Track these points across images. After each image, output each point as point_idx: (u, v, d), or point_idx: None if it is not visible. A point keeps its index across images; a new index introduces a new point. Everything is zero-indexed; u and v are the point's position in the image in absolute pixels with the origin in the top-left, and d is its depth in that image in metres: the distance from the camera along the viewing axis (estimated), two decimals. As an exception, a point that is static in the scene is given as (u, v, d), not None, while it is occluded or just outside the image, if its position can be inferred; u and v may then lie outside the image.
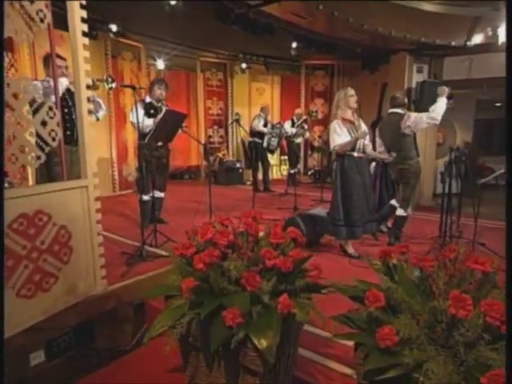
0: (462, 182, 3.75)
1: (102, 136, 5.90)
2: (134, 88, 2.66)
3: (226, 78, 7.63)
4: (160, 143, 3.43)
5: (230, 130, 7.84)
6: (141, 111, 3.30)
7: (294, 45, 5.92)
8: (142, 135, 3.25)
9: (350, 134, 3.26)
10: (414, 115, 3.71)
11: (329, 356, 1.73)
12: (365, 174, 3.36)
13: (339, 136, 3.23)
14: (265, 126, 6.19)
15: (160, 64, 6.87)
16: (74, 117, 2.70)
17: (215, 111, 7.71)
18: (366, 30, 5.30)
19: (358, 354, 1.04)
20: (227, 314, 1.09)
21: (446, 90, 3.91)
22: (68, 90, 2.73)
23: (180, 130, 3.30)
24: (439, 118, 3.70)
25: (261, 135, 6.25)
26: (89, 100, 2.67)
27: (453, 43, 6.16)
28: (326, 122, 8.02)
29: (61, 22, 2.30)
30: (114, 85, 2.62)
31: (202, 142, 8.30)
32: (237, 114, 5.23)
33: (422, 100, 6.27)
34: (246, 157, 7.07)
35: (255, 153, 6.43)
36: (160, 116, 2.85)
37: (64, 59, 2.77)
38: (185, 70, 7.46)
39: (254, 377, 1.25)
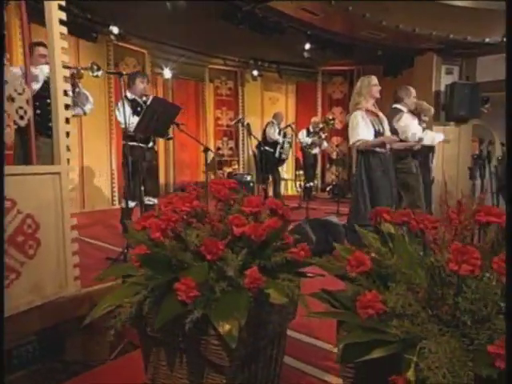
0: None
1: (102, 148, 6.01)
2: (120, 74, 2.65)
3: (236, 87, 7.72)
4: (151, 144, 3.42)
5: (240, 142, 7.84)
6: (128, 109, 3.29)
7: (307, 46, 5.93)
8: (127, 136, 3.26)
9: (374, 127, 3.13)
10: (404, 121, 3.51)
11: (325, 368, 1.55)
12: (390, 172, 3.20)
13: (363, 129, 3.09)
14: (278, 134, 6.15)
15: (167, 73, 7.05)
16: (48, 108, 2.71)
17: (225, 122, 7.76)
18: (386, 27, 5.26)
19: (341, 332, 0.88)
20: (180, 285, 0.97)
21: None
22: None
23: (176, 127, 3.27)
24: (419, 147, 3.48)
25: (272, 144, 6.20)
26: (74, 90, 2.71)
27: (487, 40, 6.03)
28: (345, 133, 7.93)
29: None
30: (100, 73, 2.63)
31: (211, 152, 8.50)
32: (241, 118, 5.17)
33: (451, 104, 6.13)
34: (257, 169, 7.01)
35: (265, 163, 6.36)
36: (147, 103, 2.83)
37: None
38: (193, 79, 7.60)
39: (219, 374, 1.10)
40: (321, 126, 6.51)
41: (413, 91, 3.73)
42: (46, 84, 2.66)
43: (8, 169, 1.90)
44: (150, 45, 6.31)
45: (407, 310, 0.80)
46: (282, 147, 6.05)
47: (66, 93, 2.13)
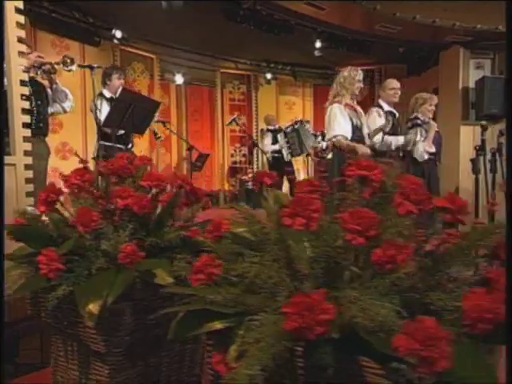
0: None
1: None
2: (91, 68, 2.71)
3: (249, 91, 7.75)
4: (130, 145, 3.43)
5: (254, 148, 7.83)
6: (105, 108, 3.27)
7: (318, 44, 5.86)
8: (103, 135, 3.20)
9: (352, 122, 3.07)
10: (372, 119, 3.39)
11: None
12: None
13: (339, 124, 3.03)
14: (275, 139, 6.11)
15: (179, 78, 7.21)
16: (32, 106, 2.79)
17: (237, 127, 7.78)
18: (400, 19, 5.11)
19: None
20: (41, 257, 0.92)
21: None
22: (32, 79, 2.83)
23: (163, 125, 3.30)
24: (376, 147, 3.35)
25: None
26: (51, 86, 2.79)
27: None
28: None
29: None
30: (74, 67, 2.69)
31: (227, 164, 8.54)
32: (236, 117, 5.14)
33: (481, 101, 5.83)
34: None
35: (277, 169, 6.34)
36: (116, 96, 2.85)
37: (29, 46, 2.93)
38: (206, 85, 7.72)
39: (102, 363, 1.03)
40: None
41: (389, 83, 3.68)
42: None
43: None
44: (159, 49, 6.48)
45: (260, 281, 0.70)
46: (289, 147, 5.96)
47: (22, 82, 2.18)
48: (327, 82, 7.82)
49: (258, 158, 7.87)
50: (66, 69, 2.67)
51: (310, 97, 8.16)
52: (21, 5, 2.28)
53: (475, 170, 3.76)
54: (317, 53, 6.04)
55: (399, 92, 3.68)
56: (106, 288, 0.94)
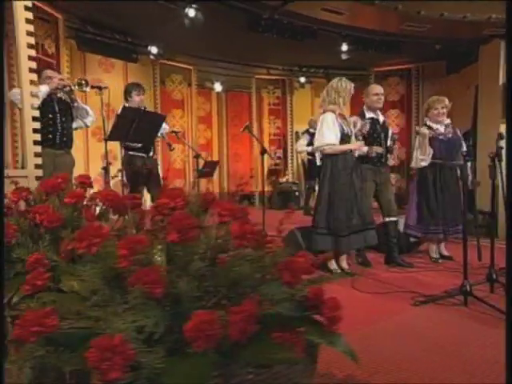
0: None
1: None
2: (99, 88, 2.99)
3: (284, 95, 7.82)
4: (151, 153, 3.70)
5: (289, 151, 7.88)
6: None
7: (345, 48, 5.77)
8: (127, 146, 3.55)
9: (343, 131, 3.07)
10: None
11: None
12: (353, 175, 3.13)
13: (330, 134, 3.05)
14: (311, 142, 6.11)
15: (217, 86, 7.49)
16: (58, 122, 3.14)
17: (272, 130, 7.88)
18: (426, 16, 4.87)
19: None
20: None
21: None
22: (58, 99, 3.19)
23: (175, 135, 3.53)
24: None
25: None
26: (72, 105, 3.12)
27: None
28: (401, 138, 7.43)
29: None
30: (88, 88, 3.00)
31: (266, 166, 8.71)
32: (248, 124, 5.19)
33: (521, 98, 5.36)
34: (304, 178, 7.04)
35: (309, 171, 6.40)
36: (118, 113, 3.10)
37: (58, 72, 3.30)
38: (245, 92, 7.91)
39: None
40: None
41: (372, 89, 3.59)
42: (47, 102, 3.09)
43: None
44: (196, 61, 6.78)
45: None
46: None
47: (32, 106, 2.49)
48: (362, 83, 7.64)
49: (292, 160, 7.91)
50: (81, 90, 2.99)
51: (346, 98, 8.00)
52: (31, 28, 2.60)
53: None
54: (344, 56, 5.94)
55: (383, 98, 3.55)
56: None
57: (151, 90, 6.39)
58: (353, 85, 3.23)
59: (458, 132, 3.86)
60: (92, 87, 3.02)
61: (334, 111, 3.10)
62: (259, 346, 0.67)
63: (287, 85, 7.77)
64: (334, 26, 5.17)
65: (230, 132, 8.24)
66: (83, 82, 2.99)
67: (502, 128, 5.62)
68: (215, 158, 8.01)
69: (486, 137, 5.90)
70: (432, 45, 6.18)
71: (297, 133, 7.55)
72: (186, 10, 4.40)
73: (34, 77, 2.56)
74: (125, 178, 3.45)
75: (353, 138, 3.20)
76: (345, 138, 3.09)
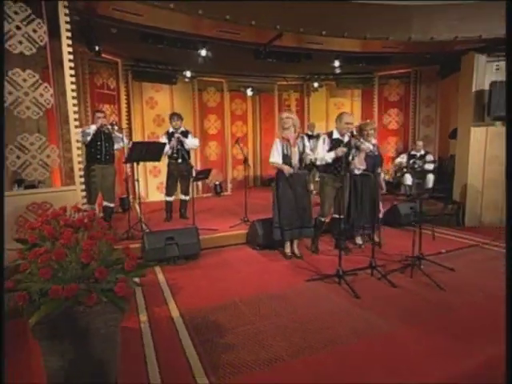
0: None
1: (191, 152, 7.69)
2: (112, 125, 4.14)
3: (302, 97, 8.31)
4: (180, 160, 4.77)
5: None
6: (164, 139, 4.79)
7: (337, 64, 6.11)
8: (168, 157, 4.80)
9: (283, 152, 3.73)
10: (319, 143, 3.97)
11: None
12: (296, 186, 3.73)
13: (274, 154, 3.76)
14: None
15: (249, 92, 8.23)
16: (102, 147, 4.31)
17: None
18: (415, 40, 5.01)
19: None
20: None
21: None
22: (103, 131, 4.33)
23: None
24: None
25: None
26: (111, 135, 4.25)
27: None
28: (400, 133, 7.54)
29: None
30: (116, 127, 4.12)
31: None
32: (238, 139, 5.75)
33: (490, 104, 5.36)
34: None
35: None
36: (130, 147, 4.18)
37: (102, 112, 4.44)
38: (271, 94, 8.54)
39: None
40: (375, 125, 6.56)
41: (345, 118, 3.94)
42: (96, 134, 4.26)
43: (50, 189, 3.52)
44: (225, 76, 7.60)
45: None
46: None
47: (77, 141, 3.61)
48: (368, 85, 7.81)
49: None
50: (112, 128, 4.12)
51: (358, 97, 8.20)
52: (74, 87, 3.65)
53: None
54: (337, 70, 6.27)
55: (351, 126, 3.94)
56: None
57: (191, 101, 7.40)
58: (285, 114, 3.87)
59: (379, 150, 4.32)
60: (118, 127, 4.13)
61: (278, 137, 3.81)
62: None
63: (305, 88, 8.22)
64: (320, 52, 5.58)
65: (263, 127, 8.98)
66: (114, 123, 4.11)
67: (473, 131, 5.67)
68: (250, 147, 8.88)
69: (460, 137, 5.95)
70: (423, 54, 6.20)
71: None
72: (199, 51, 5.23)
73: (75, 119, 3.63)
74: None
75: (293, 157, 3.82)
76: (285, 158, 3.78)
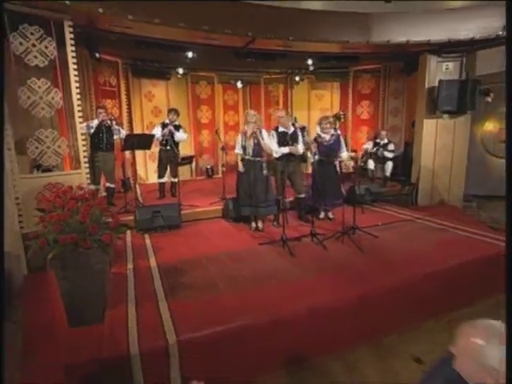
0: None
1: (186, 139, 8.44)
2: (110, 120, 4.91)
3: (286, 89, 8.94)
4: (168, 147, 5.55)
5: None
6: (159, 128, 5.56)
7: (310, 62, 6.74)
8: (160, 144, 5.55)
9: (242, 144, 4.48)
10: (268, 137, 4.63)
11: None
12: (251, 172, 4.47)
13: (237, 146, 4.52)
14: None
15: (239, 84, 8.87)
16: (104, 137, 5.11)
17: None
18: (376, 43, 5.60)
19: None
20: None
21: None
22: (104, 125, 5.11)
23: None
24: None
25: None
26: (111, 127, 5.05)
27: (480, 35, 5.53)
28: (371, 122, 8.16)
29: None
30: (114, 122, 4.92)
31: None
32: (217, 129, 6.46)
33: (438, 99, 5.98)
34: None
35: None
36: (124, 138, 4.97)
37: (103, 108, 5.21)
38: (259, 85, 9.17)
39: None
40: (331, 120, 7.23)
41: (277, 112, 4.98)
42: (99, 127, 5.05)
43: (60, 173, 4.35)
44: (216, 72, 8.27)
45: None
46: None
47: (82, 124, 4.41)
48: (344, 79, 8.38)
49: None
50: (111, 122, 4.92)
51: (336, 89, 8.79)
52: (77, 84, 4.44)
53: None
54: (311, 67, 6.89)
55: (283, 119, 4.74)
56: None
57: (185, 94, 8.12)
58: (249, 112, 4.60)
59: (341, 139, 5.00)
60: (116, 123, 4.93)
61: (241, 132, 4.56)
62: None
63: (288, 81, 8.84)
64: (297, 51, 6.22)
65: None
66: (112, 118, 4.90)
67: (425, 123, 6.32)
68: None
69: (418, 127, 6.59)
70: (386, 54, 6.78)
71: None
72: (186, 53, 5.94)
73: (79, 117, 4.43)
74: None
75: (249, 148, 4.52)
76: (243, 149, 4.51)
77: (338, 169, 4.93)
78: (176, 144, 5.71)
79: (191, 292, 2.91)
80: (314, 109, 8.91)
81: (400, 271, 3.23)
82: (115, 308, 2.70)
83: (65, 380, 2.26)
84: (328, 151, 4.88)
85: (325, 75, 8.34)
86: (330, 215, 5.19)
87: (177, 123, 5.71)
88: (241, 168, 4.53)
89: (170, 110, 5.70)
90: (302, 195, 5.04)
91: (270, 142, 4.59)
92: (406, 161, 7.18)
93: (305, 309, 2.64)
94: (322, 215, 5.17)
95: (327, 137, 4.91)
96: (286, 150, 4.59)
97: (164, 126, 5.61)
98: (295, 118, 7.86)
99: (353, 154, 5.73)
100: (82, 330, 2.57)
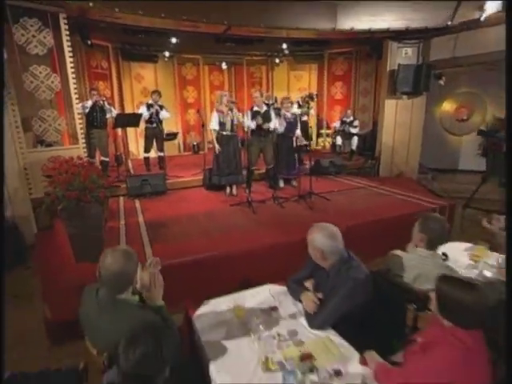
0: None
1: (173, 118, 9.06)
2: (110, 104, 5.52)
3: (267, 70, 9.52)
4: (155, 125, 6.21)
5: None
6: (145, 109, 6.22)
7: (285, 46, 7.34)
8: (146, 122, 6.20)
9: (219, 120, 5.17)
10: (245, 116, 5.32)
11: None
12: (228, 146, 5.21)
13: (213, 122, 5.20)
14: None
15: (224, 65, 9.41)
16: (98, 116, 5.77)
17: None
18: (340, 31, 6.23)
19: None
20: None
21: None
22: (98, 106, 5.77)
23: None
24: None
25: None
26: (103, 107, 5.72)
27: (431, 25, 6.17)
28: (343, 102, 8.83)
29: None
30: (106, 103, 5.57)
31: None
32: (199, 109, 7.17)
33: (397, 81, 6.66)
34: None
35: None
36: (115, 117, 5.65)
37: (96, 90, 5.85)
38: (243, 66, 9.72)
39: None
40: (307, 99, 7.90)
41: (253, 93, 5.52)
42: (93, 107, 5.71)
43: (61, 148, 5.06)
44: (201, 54, 8.81)
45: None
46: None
47: (78, 114, 5.09)
48: (320, 61, 8.98)
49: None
50: (104, 102, 5.58)
51: (314, 70, 9.39)
52: (72, 70, 5.10)
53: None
54: (286, 51, 7.49)
55: (257, 99, 5.41)
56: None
57: (172, 75, 8.69)
58: (222, 93, 5.28)
59: (297, 119, 5.72)
60: (108, 103, 5.60)
61: (216, 109, 5.24)
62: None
63: (269, 63, 9.40)
64: (273, 37, 6.80)
65: (237, 95, 10.22)
66: (104, 99, 5.56)
67: (387, 103, 7.01)
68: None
69: (381, 106, 7.28)
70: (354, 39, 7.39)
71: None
72: (170, 39, 6.52)
73: (76, 98, 5.10)
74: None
75: (227, 123, 5.24)
76: (221, 125, 5.20)
77: (294, 144, 5.68)
78: (160, 122, 6.38)
79: (170, 239, 3.73)
80: (293, 89, 9.54)
81: (337, 222, 4.05)
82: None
83: (76, 295, 3.10)
84: (289, 127, 5.62)
85: (302, 57, 8.92)
86: (294, 183, 5.95)
87: (160, 103, 6.36)
88: (217, 149, 5.21)
89: (154, 92, 6.30)
90: (271, 166, 5.80)
91: (244, 119, 5.31)
92: (373, 137, 7.92)
93: (255, 247, 3.48)
94: (281, 184, 5.94)
95: (288, 114, 5.63)
96: (253, 125, 5.30)
97: (149, 106, 6.25)
98: (275, 98, 8.56)
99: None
100: (86, 264, 3.38)
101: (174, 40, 6.55)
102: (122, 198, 5.29)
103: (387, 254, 2.19)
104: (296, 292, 2.00)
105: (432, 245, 1.99)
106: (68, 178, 3.34)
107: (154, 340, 1.20)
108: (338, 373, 1.41)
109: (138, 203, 5.13)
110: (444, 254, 2.45)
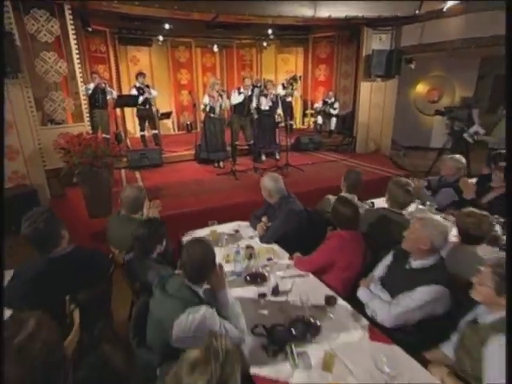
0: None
1: (167, 98, 9.75)
2: (111, 87, 6.23)
3: (256, 53, 10.14)
4: (147, 106, 6.93)
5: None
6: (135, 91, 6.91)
7: (270, 31, 7.98)
8: (139, 104, 6.90)
9: (211, 104, 5.93)
10: (233, 96, 6.11)
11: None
12: (215, 126, 6.00)
13: (205, 103, 5.98)
14: None
15: (215, 48, 10.02)
16: (100, 97, 6.49)
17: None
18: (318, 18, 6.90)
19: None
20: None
21: None
22: (100, 88, 6.47)
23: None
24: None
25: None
26: (105, 89, 6.45)
27: (401, 13, 6.85)
28: (326, 84, 9.52)
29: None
30: (108, 85, 6.27)
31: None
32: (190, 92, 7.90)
33: (371, 65, 7.38)
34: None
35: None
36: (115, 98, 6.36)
37: (97, 73, 6.54)
38: (234, 48, 10.32)
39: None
40: (291, 81, 8.60)
41: (243, 78, 6.14)
42: (95, 89, 6.41)
43: (68, 125, 5.81)
44: (193, 38, 9.41)
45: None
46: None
47: (85, 89, 5.82)
48: (305, 45, 9.61)
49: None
50: (105, 85, 6.29)
51: (301, 53, 10.02)
52: (77, 54, 5.80)
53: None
54: (272, 36, 8.13)
55: (247, 83, 6.15)
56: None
57: (166, 58, 9.32)
58: (215, 81, 6.01)
59: (278, 99, 6.47)
60: (108, 86, 6.31)
61: (208, 94, 5.99)
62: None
63: (257, 46, 10.01)
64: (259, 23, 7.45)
65: (228, 77, 10.87)
66: (106, 83, 6.27)
67: (363, 85, 7.75)
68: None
69: (359, 90, 8.01)
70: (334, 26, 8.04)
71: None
72: (163, 25, 7.16)
73: (81, 82, 5.82)
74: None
75: (217, 108, 6.01)
76: (211, 109, 5.98)
77: (275, 121, 6.46)
78: (150, 104, 7.08)
79: (166, 198, 4.57)
80: (281, 71, 10.20)
81: (302, 187, 4.91)
82: (116, 208, 4.35)
83: (91, 240, 3.97)
84: (272, 106, 6.39)
85: (288, 41, 9.55)
86: (278, 157, 6.76)
87: (146, 83, 7.01)
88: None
89: (140, 74, 6.87)
90: (251, 142, 6.60)
91: (231, 98, 6.10)
92: (353, 117, 8.68)
93: (234, 203, 4.34)
94: (263, 157, 6.76)
95: (271, 95, 6.39)
96: (235, 101, 6.09)
97: (138, 88, 6.90)
98: (266, 80, 9.24)
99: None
100: (98, 220, 4.23)
101: (167, 26, 7.18)
102: (123, 171, 6.10)
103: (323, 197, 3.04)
104: (254, 224, 2.86)
105: (350, 190, 2.84)
106: (82, 148, 4.15)
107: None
108: (269, 259, 2.29)
109: (138, 174, 5.94)
110: (372, 202, 3.32)
